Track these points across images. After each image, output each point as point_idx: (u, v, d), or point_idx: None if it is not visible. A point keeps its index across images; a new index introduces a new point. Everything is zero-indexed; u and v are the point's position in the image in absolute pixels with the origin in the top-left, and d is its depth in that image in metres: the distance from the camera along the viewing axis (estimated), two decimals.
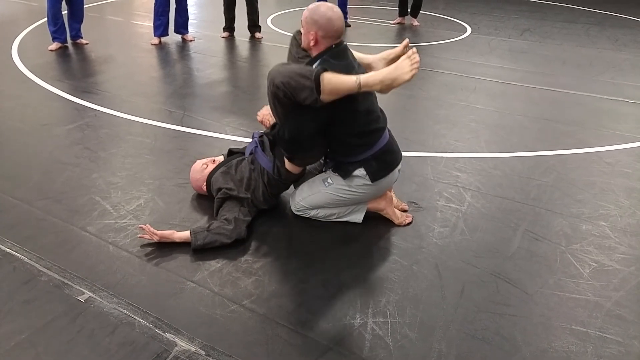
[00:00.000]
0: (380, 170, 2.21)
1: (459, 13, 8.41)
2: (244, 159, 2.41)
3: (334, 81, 1.91)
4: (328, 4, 2.12)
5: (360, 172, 2.19)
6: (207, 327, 1.74)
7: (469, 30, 7.06)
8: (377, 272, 2.06)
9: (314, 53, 2.12)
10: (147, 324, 1.73)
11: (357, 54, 2.29)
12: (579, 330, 1.78)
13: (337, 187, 2.24)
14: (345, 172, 2.21)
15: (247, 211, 2.28)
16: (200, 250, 2.10)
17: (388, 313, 1.83)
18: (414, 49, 1.97)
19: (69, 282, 1.90)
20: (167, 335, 1.69)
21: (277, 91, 1.96)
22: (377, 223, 2.36)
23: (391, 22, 7.41)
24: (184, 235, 2.12)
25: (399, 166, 2.30)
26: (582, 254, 2.20)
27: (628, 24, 7.96)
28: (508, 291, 1.96)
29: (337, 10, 2.09)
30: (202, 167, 2.46)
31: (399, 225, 2.35)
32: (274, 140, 2.31)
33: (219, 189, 2.31)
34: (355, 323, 1.78)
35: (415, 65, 1.93)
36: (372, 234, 2.31)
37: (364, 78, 1.93)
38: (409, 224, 2.38)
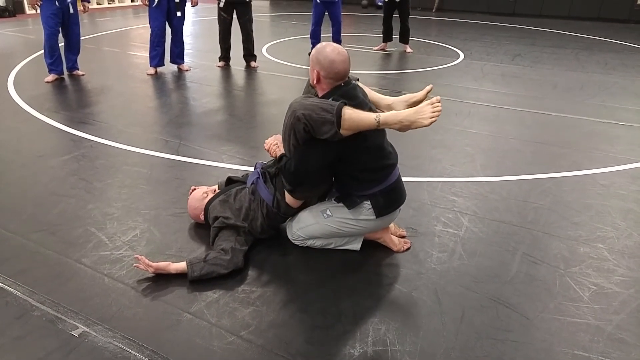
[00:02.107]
0: (387, 207, 2.21)
1: (452, 39, 8.57)
2: (244, 188, 2.41)
3: (355, 117, 1.94)
4: (337, 46, 2.12)
5: (366, 205, 2.18)
6: (204, 359, 1.70)
7: (462, 56, 7.19)
8: (376, 299, 2.03)
9: (319, 91, 2.15)
10: (144, 357, 1.69)
11: (375, 94, 2.32)
12: (581, 356, 1.76)
13: (336, 220, 2.23)
14: (350, 203, 2.20)
15: (244, 240, 2.26)
16: (197, 281, 2.08)
17: (388, 341, 1.80)
18: (439, 97, 1.98)
19: (63, 317, 1.87)
20: None
21: (297, 123, 1.96)
22: (375, 250, 2.34)
23: (374, 48, 7.51)
24: (180, 266, 2.10)
25: (402, 205, 2.31)
26: (581, 277, 2.19)
27: (616, 48, 8.12)
28: (508, 316, 1.94)
29: (343, 53, 2.09)
30: (202, 196, 2.45)
31: (397, 252, 2.34)
32: (277, 171, 2.30)
33: (216, 218, 2.30)
34: (355, 352, 1.75)
35: (437, 114, 1.93)
36: (371, 261, 2.29)
37: (383, 117, 1.96)
38: (407, 250, 2.36)
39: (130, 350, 1.72)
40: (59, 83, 5.24)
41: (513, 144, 3.76)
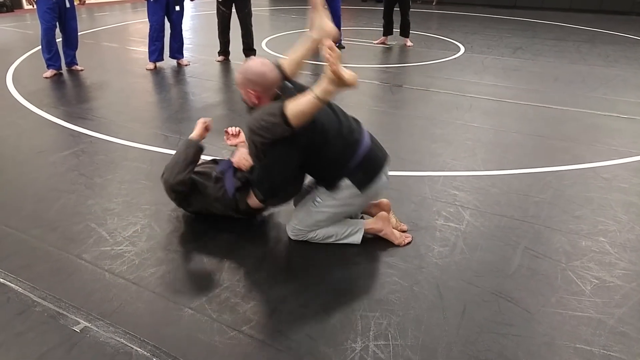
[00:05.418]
0: (367, 179, 2.20)
1: (452, 33, 8.53)
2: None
3: (297, 108, 1.98)
4: (258, 59, 2.15)
5: (345, 182, 2.18)
6: (206, 354, 1.70)
7: (463, 49, 7.15)
8: (377, 294, 2.03)
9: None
10: (145, 352, 1.69)
11: (287, 64, 2.33)
12: (583, 349, 1.75)
13: (327, 204, 2.24)
14: (329, 184, 2.22)
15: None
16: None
17: (390, 336, 1.80)
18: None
19: (64, 312, 1.87)
20: None
21: (254, 136, 2.05)
22: (376, 244, 2.34)
23: (374, 42, 7.48)
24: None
25: (386, 169, 2.27)
26: (583, 271, 2.18)
27: (618, 40, 8.08)
28: (510, 310, 1.94)
29: (266, 62, 2.13)
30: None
31: (398, 246, 2.34)
32: (249, 182, 2.34)
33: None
34: (356, 347, 1.75)
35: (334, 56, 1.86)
36: (372, 255, 2.29)
37: (317, 90, 1.95)
38: (409, 244, 2.36)
39: (132, 346, 1.72)
40: (57, 78, 5.22)
41: (514, 137, 3.75)
